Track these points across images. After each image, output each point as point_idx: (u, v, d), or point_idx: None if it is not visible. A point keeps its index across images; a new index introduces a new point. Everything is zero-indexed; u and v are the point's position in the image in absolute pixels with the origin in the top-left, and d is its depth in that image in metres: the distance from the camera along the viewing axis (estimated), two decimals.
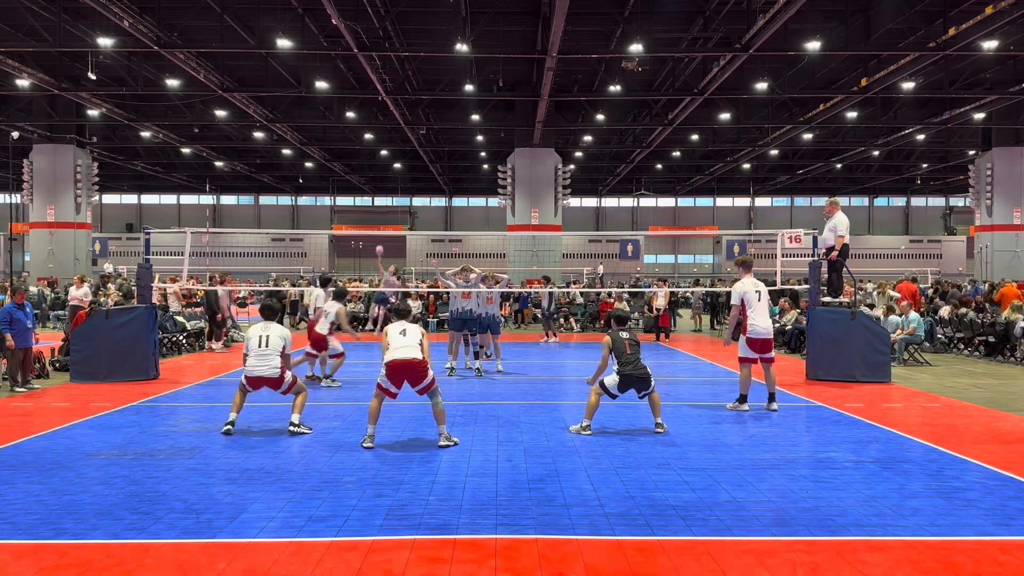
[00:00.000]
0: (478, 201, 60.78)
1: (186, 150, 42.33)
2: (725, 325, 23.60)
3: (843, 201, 54.56)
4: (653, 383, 8.56)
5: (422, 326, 8.50)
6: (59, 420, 9.15)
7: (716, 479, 6.56)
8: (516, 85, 31.76)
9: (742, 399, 9.88)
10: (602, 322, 23.87)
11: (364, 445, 7.76)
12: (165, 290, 18.23)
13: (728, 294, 23.51)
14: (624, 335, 8.73)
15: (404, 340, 7.97)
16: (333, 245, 58.99)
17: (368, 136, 40.83)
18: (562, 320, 25.26)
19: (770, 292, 19.93)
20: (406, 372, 7.86)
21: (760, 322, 9.90)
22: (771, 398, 9.84)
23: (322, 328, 11.90)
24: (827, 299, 13.13)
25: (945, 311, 18.77)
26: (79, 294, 18.66)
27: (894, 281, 23.73)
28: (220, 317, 18.37)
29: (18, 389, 11.52)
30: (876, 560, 4.79)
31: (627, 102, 34.36)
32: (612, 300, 24.60)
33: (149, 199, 61.36)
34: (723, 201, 61.97)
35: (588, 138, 40.84)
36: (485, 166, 49.44)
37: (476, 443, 7.92)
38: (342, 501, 5.90)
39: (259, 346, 8.44)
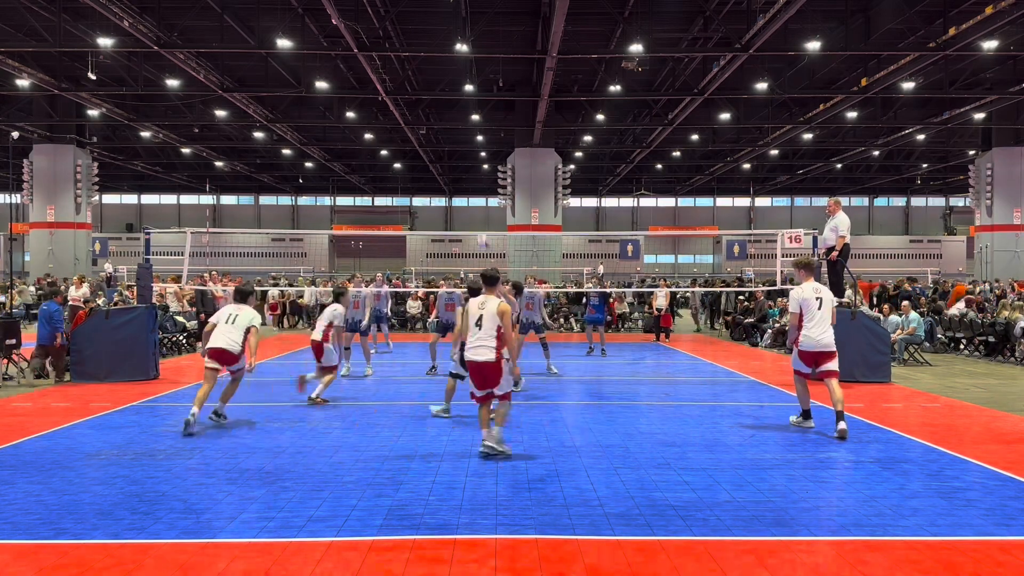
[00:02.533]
0: (478, 201, 60.77)
1: (186, 150, 42.34)
2: (725, 326, 23.59)
3: (843, 201, 54.59)
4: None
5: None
6: (59, 420, 9.14)
7: (716, 479, 6.56)
8: (516, 85, 31.75)
9: (805, 415, 8.97)
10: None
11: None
12: (165, 290, 18.23)
13: (725, 294, 23.74)
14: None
15: (478, 335, 7.17)
16: (333, 245, 58.99)
17: (368, 136, 40.84)
18: (562, 320, 25.27)
19: (768, 293, 20.09)
20: (482, 374, 7.21)
21: (814, 333, 8.71)
22: (839, 417, 8.42)
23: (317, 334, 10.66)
24: None
25: (954, 309, 18.76)
26: (78, 294, 18.68)
27: (893, 281, 23.72)
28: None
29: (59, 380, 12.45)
30: (876, 560, 4.78)
31: (627, 102, 34.36)
32: (613, 300, 24.62)
33: (149, 199, 61.34)
34: (723, 201, 61.96)
35: (588, 138, 40.83)
36: (485, 166, 49.44)
37: (476, 443, 7.91)
38: (342, 501, 5.90)
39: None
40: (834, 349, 8.79)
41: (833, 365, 8.73)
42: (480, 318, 7.21)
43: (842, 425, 8.32)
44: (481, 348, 7.17)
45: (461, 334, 7.45)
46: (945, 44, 22.25)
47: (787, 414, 9.57)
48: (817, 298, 8.85)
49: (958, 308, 18.51)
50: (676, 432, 8.56)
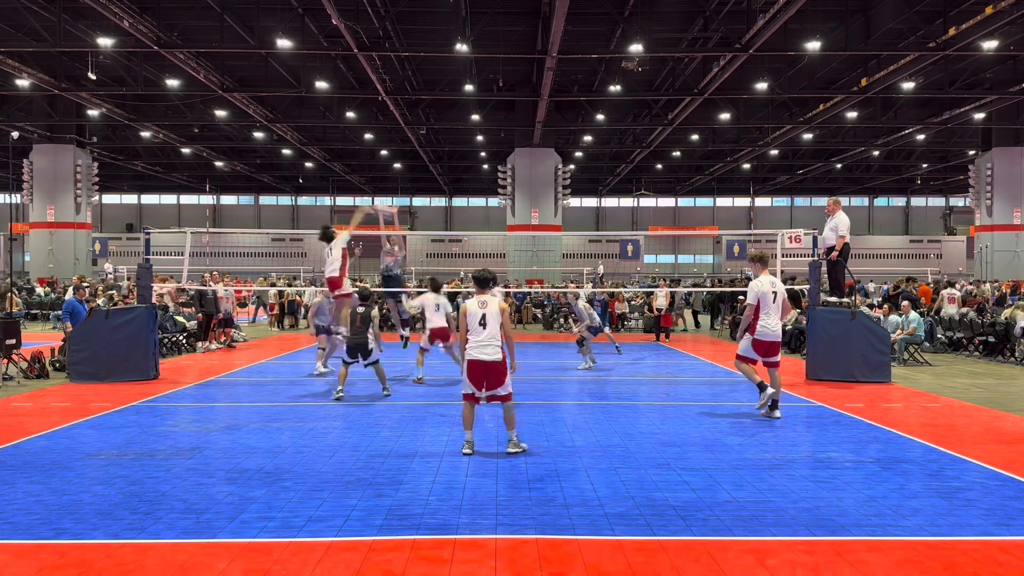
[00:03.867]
0: (478, 201, 60.76)
1: (186, 150, 42.33)
2: (726, 326, 23.60)
3: (843, 201, 54.53)
4: (372, 354, 10.79)
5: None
6: (59, 420, 9.14)
7: (716, 479, 6.56)
8: (516, 85, 31.75)
9: (762, 386, 9.39)
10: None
11: (464, 451, 7.39)
12: (163, 290, 18.22)
13: (730, 294, 23.73)
14: (360, 310, 10.80)
15: (484, 334, 7.23)
16: None
17: (368, 136, 40.84)
18: (562, 320, 25.26)
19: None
20: (486, 373, 7.28)
21: (771, 324, 9.44)
22: (774, 405, 9.39)
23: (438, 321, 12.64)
24: (832, 299, 13.12)
25: (952, 309, 18.76)
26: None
27: (892, 280, 23.73)
28: (215, 319, 17.94)
29: None
30: (876, 560, 4.78)
31: (627, 102, 34.36)
32: (613, 299, 24.62)
33: (149, 199, 61.34)
34: (723, 201, 61.95)
35: (588, 138, 40.83)
36: (485, 166, 49.44)
37: (476, 443, 7.91)
38: (342, 501, 5.90)
39: None
40: (780, 340, 9.66)
41: (779, 356, 9.61)
42: (483, 317, 7.32)
43: (777, 412, 9.34)
44: (489, 347, 7.28)
45: (460, 335, 7.53)
46: (945, 44, 22.26)
47: (788, 415, 9.57)
48: (773, 291, 9.54)
49: (957, 308, 18.52)
50: (676, 432, 8.56)
